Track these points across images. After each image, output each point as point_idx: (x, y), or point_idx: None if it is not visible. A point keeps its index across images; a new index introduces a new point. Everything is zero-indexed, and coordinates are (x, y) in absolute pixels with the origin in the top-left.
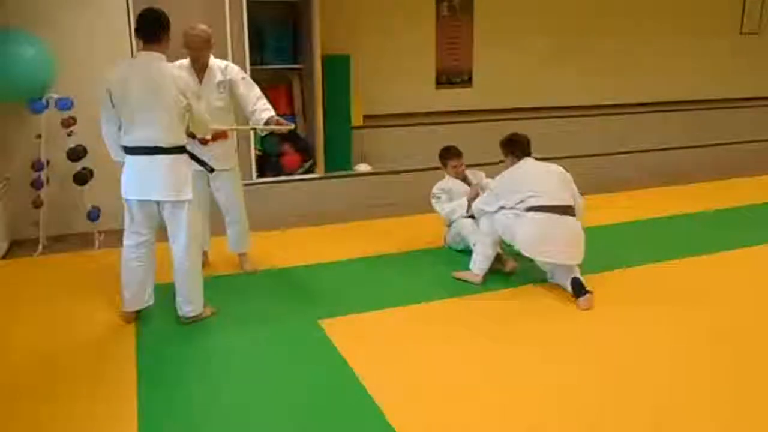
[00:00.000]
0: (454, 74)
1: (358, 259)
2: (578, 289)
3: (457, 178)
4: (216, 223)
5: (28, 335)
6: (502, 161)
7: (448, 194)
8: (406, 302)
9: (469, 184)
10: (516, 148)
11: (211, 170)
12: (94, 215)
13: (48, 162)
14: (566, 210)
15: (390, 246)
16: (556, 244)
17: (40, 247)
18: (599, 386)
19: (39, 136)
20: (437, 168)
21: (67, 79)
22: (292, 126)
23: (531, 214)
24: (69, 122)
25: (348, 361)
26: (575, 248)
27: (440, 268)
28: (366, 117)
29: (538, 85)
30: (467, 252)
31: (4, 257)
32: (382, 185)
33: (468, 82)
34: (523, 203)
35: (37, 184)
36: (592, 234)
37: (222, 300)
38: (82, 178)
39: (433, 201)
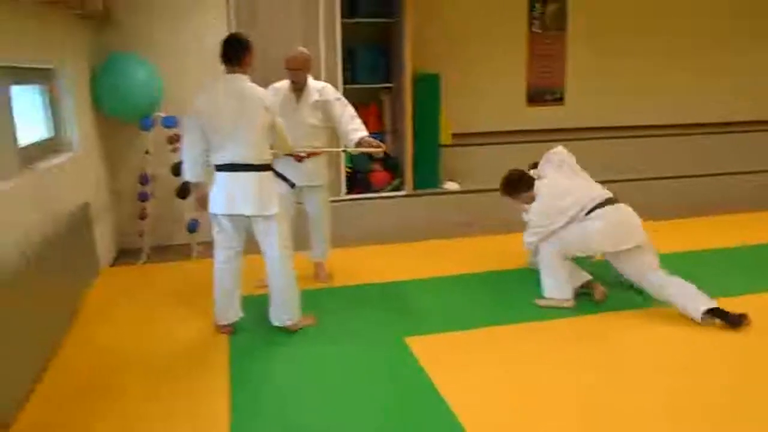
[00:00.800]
0: (545, 91)
1: (446, 278)
2: (729, 316)
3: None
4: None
5: (129, 338)
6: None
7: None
8: (494, 323)
9: None
10: (523, 184)
11: (293, 185)
12: (192, 227)
13: (153, 176)
14: (615, 198)
15: (478, 265)
16: (630, 228)
17: (144, 256)
18: (682, 415)
19: (147, 152)
20: None
21: (172, 98)
22: (383, 148)
23: (593, 214)
24: (173, 139)
25: (433, 380)
26: (640, 227)
27: (529, 289)
28: (455, 135)
29: (633, 104)
30: None
31: (112, 265)
32: (470, 203)
33: (560, 99)
34: (581, 212)
35: (142, 197)
36: (688, 259)
37: (312, 312)
38: (184, 192)
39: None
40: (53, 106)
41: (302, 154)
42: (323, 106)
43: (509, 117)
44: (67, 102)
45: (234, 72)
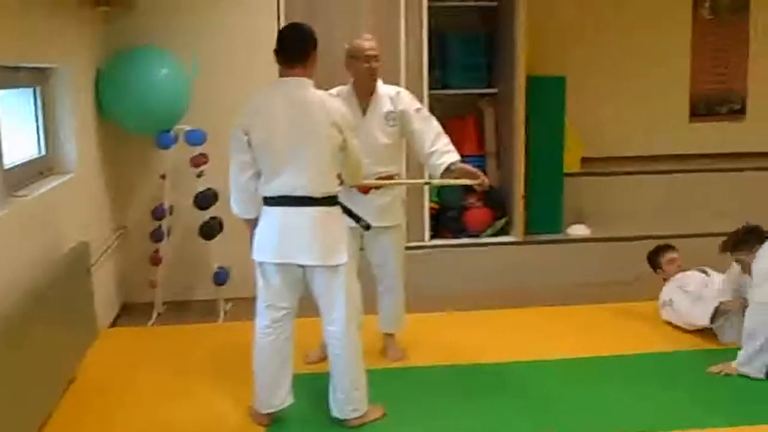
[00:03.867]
0: (718, 101)
1: (568, 360)
2: None
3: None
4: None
5: (131, 421)
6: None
7: (687, 293)
8: (641, 427)
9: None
10: (757, 236)
11: (367, 227)
12: (221, 278)
13: (171, 209)
14: None
15: (618, 344)
16: None
17: (155, 314)
18: None
19: (163, 177)
20: (688, 235)
21: (201, 106)
22: (484, 180)
23: None
24: (199, 161)
25: None
26: None
27: (699, 380)
28: (585, 160)
29: None
30: None
31: (112, 324)
32: (607, 255)
33: (740, 112)
34: None
35: (156, 236)
36: None
37: (380, 402)
38: (210, 230)
39: (662, 311)
40: (47, 116)
41: (370, 185)
42: (398, 119)
43: (665, 136)
44: (65, 110)
45: (294, 74)
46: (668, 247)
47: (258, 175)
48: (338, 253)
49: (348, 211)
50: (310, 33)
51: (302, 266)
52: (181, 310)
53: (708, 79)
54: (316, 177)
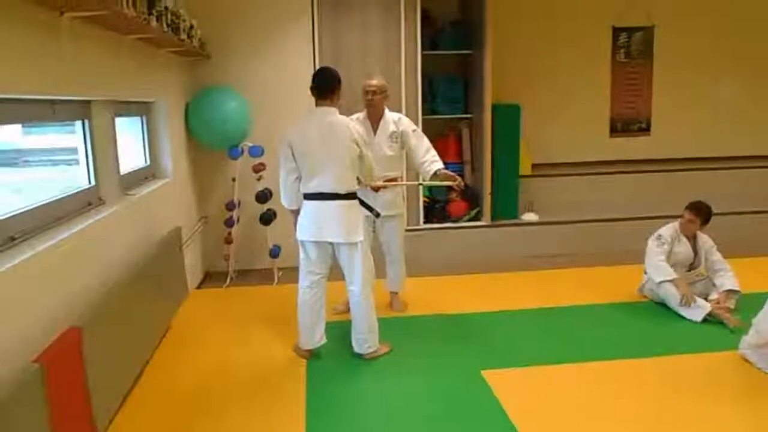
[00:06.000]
0: (630, 122)
1: (524, 311)
2: None
3: (686, 234)
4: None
5: (212, 357)
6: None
7: (670, 246)
8: (576, 359)
9: (694, 248)
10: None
11: (378, 215)
12: (275, 253)
13: (239, 203)
14: None
15: (556, 298)
16: None
17: (229, 279)
18: None
19: (234, 180)
20: (609, 220)
21: (259, 129)
22: (460, 182)
23: None
24: (259, 168)
25: (509, 416)
26: None
27: (612, 325)
28: (535, 165)
29: (722, 133)
30: (661, 306)
31: (198, 287)
32: (549, 235)
33: (646, 129)
34: None
35: (229, 223)
36: None
37: (388, 341)
38: (267, 218)
39: (653, 242)
40: (151, 136)
41: (379, 185)
42: (400, 137)
43: (591, 148)
44: (164, 132)
45: (323, 105)
46: (693, 209)
47: (299, 178)
48: (357, 234)
49: (364, 204)
50: (335, 74)
51: (331, 243)
52: (246, 276)
53: (623, 106)
54: (341, 178)
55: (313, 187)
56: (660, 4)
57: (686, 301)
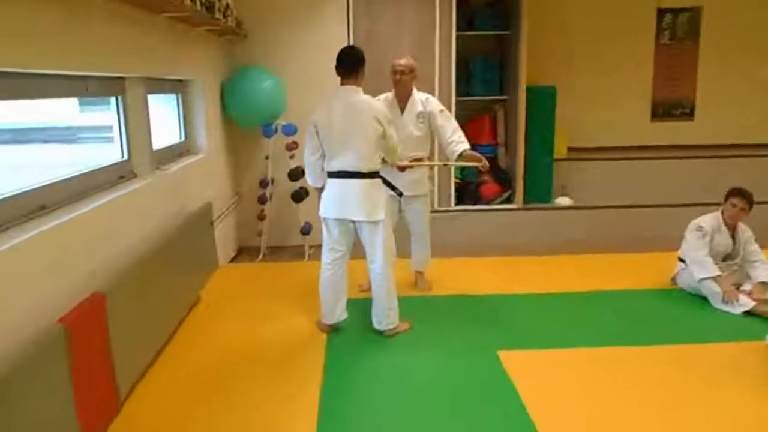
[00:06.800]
0: (673, 106)
1: (549, 294)
2: None
3: (728, 222)
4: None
5: (237, 329)
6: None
7: (711, 237)
8: (594, 344)
9: (733, 237)
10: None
11: (401, 194)
12: (306, 230)
13: (272, 180)
14: None
15: (585, 284)
16: None
17: (261, 255)
18: None
19: (267, 158)
20: (644, 206)
21: (292, 108)
22: (485, 163)
23: None
24: (291, 146)
25: (521, 395)
26: None
27: (638, 311)
28: (571, 149)
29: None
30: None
31: (232, 260)
32: (583, 220)
33: (689, 114)
34: None
35: (262, 200)
36: None
37: (409, 319)
38: (299, 196)
39: (693, 234)
40: (186, 114)
41: (405, 165)
42: (427, 117)
43: (631, 132)
44: (199, 110)
45: (348, 84)
46: (744, 196)
47: (323, 156)
48: (378, 212)
49: (387, 183)
50: (359, 54)
51: (354, 221)
52: (278, 252)
53: (666, 90)
54: (364, 157)
55: (336, 166)
56: None
57: (728, 299)
